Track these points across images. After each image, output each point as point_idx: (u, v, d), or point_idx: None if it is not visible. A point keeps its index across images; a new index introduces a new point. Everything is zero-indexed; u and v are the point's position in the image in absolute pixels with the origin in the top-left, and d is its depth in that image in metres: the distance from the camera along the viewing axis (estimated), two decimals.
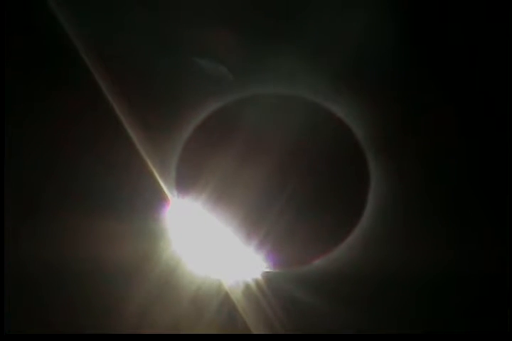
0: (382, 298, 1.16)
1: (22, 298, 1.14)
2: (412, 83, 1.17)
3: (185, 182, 1.16)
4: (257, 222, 1.13)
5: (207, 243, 1.19)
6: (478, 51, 1.17)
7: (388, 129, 1.17)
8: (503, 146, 1.16)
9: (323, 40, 1.17)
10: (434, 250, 1.14)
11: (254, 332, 1.15)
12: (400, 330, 1.13)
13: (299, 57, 1.16)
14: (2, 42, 1.14)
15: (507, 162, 1.16)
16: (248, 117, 1.15)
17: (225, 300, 1.16)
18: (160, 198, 1.16)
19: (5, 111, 1.15)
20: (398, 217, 1.16)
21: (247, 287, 1.17)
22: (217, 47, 1.15)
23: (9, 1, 1.15)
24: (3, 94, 1.15)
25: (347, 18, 1.16)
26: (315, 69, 1.16)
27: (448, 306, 1.16)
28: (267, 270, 1.18)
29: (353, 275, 1.15)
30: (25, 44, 1.17)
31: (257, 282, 1.17)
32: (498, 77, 1.17)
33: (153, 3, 1.16)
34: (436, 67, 1.18)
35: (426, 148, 1.18)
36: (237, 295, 1.17)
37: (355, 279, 1.15)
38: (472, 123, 1.18)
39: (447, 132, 1.17)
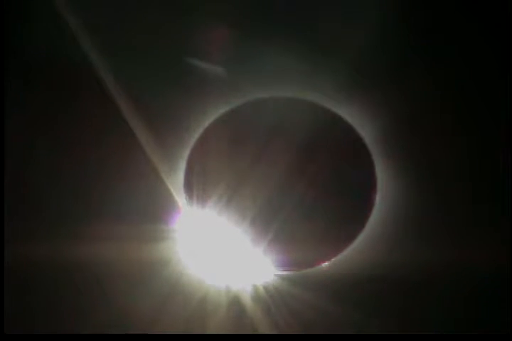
0: (390, 299, 1.15)
1: (22, 298, 1.14)
2: (418, 83, 1.17)
3: (193, 186, 1.16)
4: (265, 224, 1.13)
5: (215, 246, 1.19)
6: (482, 51, 1.17)
7: (395, 131, 1.17)
8: (507, 146, 1.16)
9: (325, 40, 1.17)
10: (442, 251, 1.14)
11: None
12: (404, 331, 1.12)
13: (300, 57, 1.17)
14: (3, 41, 1.15)
15: (510, 162, 1.16)
16: (254, 121, 1.16)
17: (234, 303, 1.16)
18: (168, 202, 1.16)
19: (7, 111, 1.16)
20: (406, 219, 1.16)
21: (256, 289, 1.17)
22: (215, 47, 1.16)
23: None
24: (4, 94, 1.15)
25: (349, 17, 1.16)
26: (317, 70, 1.16)
27: (452, 307, 1.15)
28: (276, 272, 1.18)
29: (361, 277, 1.15)
30: (28, 44, 1.17)
31: (265, 285, 1.17)
32: (500, 77, 1.16)
33: (154, 5, 1.17)
34: (440, 67, 1.18)
35: (432, 149, 1.18)
36: (245, 297, 1.17)
37: (364, 281, 1.14)
38: (476, 124, 1.17)
39: (454, 133, 1.18)
